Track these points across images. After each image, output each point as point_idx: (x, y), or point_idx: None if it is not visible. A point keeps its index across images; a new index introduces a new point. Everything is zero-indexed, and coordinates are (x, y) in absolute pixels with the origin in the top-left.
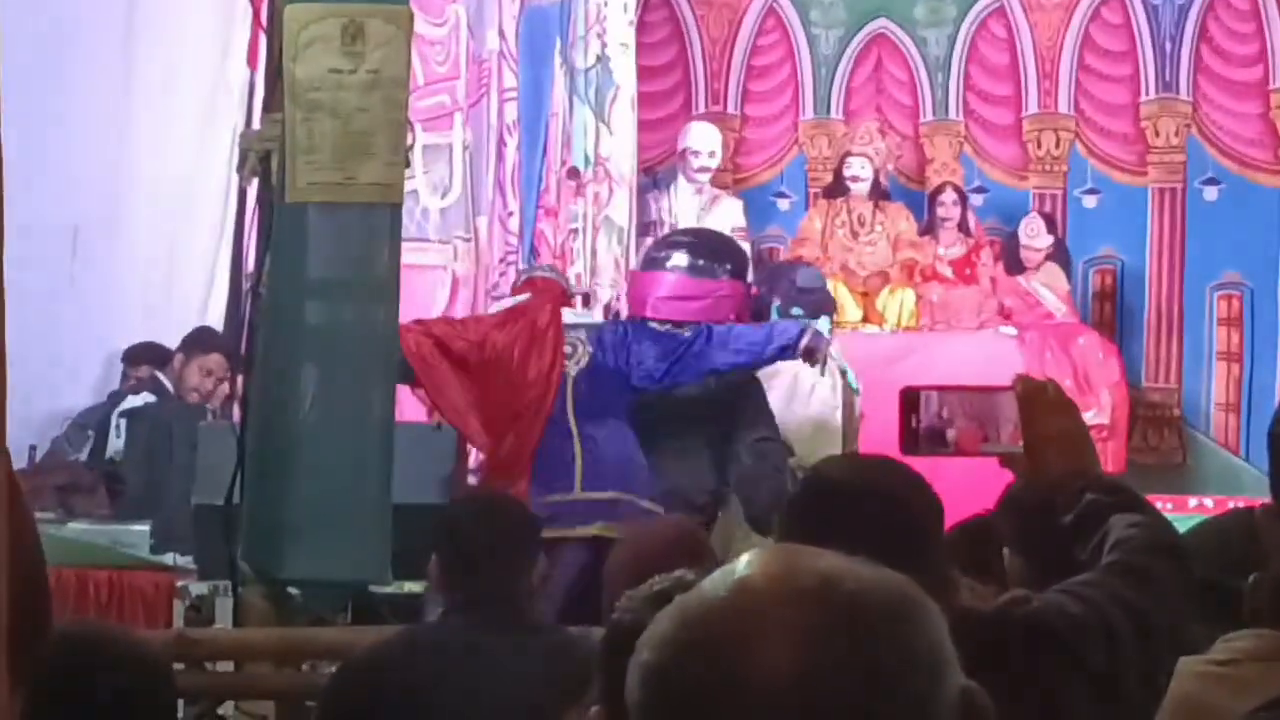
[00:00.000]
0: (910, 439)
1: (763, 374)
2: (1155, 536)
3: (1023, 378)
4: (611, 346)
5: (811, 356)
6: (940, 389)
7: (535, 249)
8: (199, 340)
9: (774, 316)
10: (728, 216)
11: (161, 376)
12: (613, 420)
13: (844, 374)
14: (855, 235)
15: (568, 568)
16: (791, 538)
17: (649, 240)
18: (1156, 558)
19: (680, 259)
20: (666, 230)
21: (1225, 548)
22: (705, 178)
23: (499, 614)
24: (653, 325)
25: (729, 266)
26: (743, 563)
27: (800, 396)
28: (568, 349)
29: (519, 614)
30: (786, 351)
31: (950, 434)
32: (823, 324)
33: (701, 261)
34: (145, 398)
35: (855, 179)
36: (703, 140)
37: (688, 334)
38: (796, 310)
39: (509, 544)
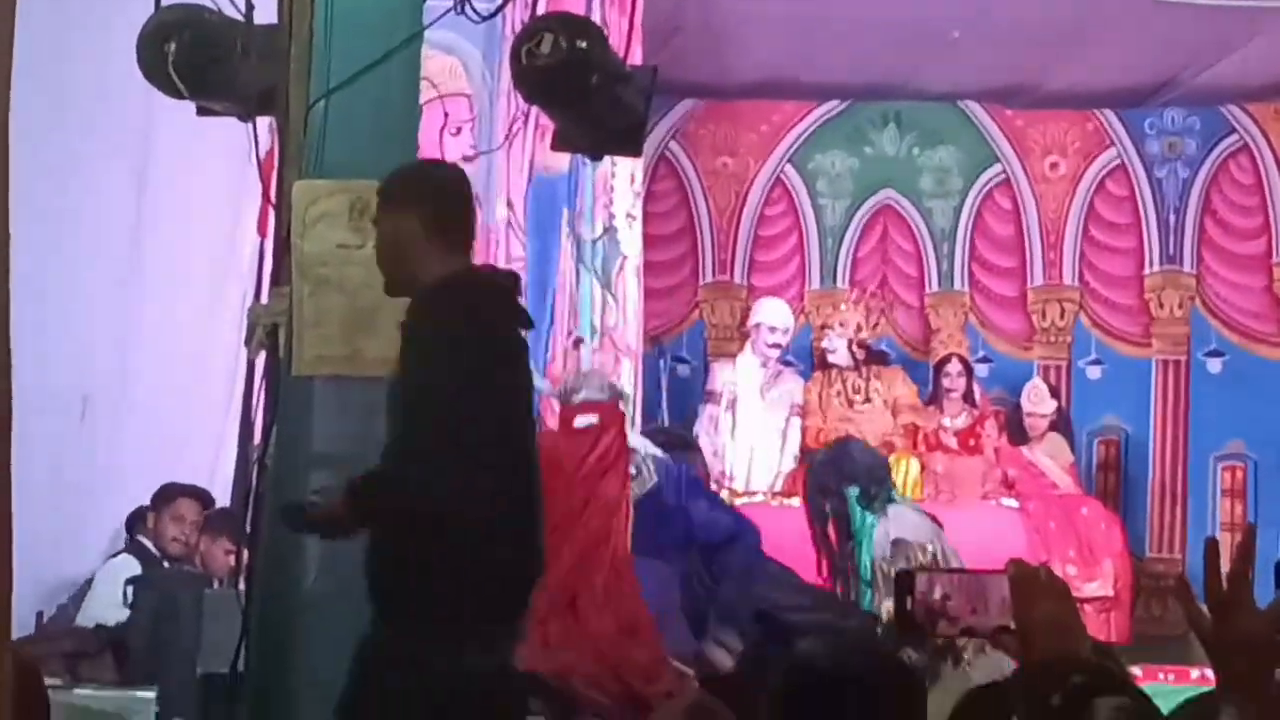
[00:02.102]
0: (905, 621)
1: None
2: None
3: (1015, 562)
4: (675, 484)
5: None
6: (934, 571)
7: (541, 417)
8: (163, 494)
9: (854, 506)
10: (789, 392)
11: (144, 540)
12: (661, 562)
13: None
14: (850, 404)
15: None
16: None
17: (709, 407)
18: None
19: None
20: (726, 399)
21: None
22: (775, 353)
23: None
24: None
25: None
26: None
27: None
28: (632, 469)
29: None
30: None
31: (944, 615)
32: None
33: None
34: (127, 560)
35: (828, 351)
36: (779, 317)
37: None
38: (873, 490)
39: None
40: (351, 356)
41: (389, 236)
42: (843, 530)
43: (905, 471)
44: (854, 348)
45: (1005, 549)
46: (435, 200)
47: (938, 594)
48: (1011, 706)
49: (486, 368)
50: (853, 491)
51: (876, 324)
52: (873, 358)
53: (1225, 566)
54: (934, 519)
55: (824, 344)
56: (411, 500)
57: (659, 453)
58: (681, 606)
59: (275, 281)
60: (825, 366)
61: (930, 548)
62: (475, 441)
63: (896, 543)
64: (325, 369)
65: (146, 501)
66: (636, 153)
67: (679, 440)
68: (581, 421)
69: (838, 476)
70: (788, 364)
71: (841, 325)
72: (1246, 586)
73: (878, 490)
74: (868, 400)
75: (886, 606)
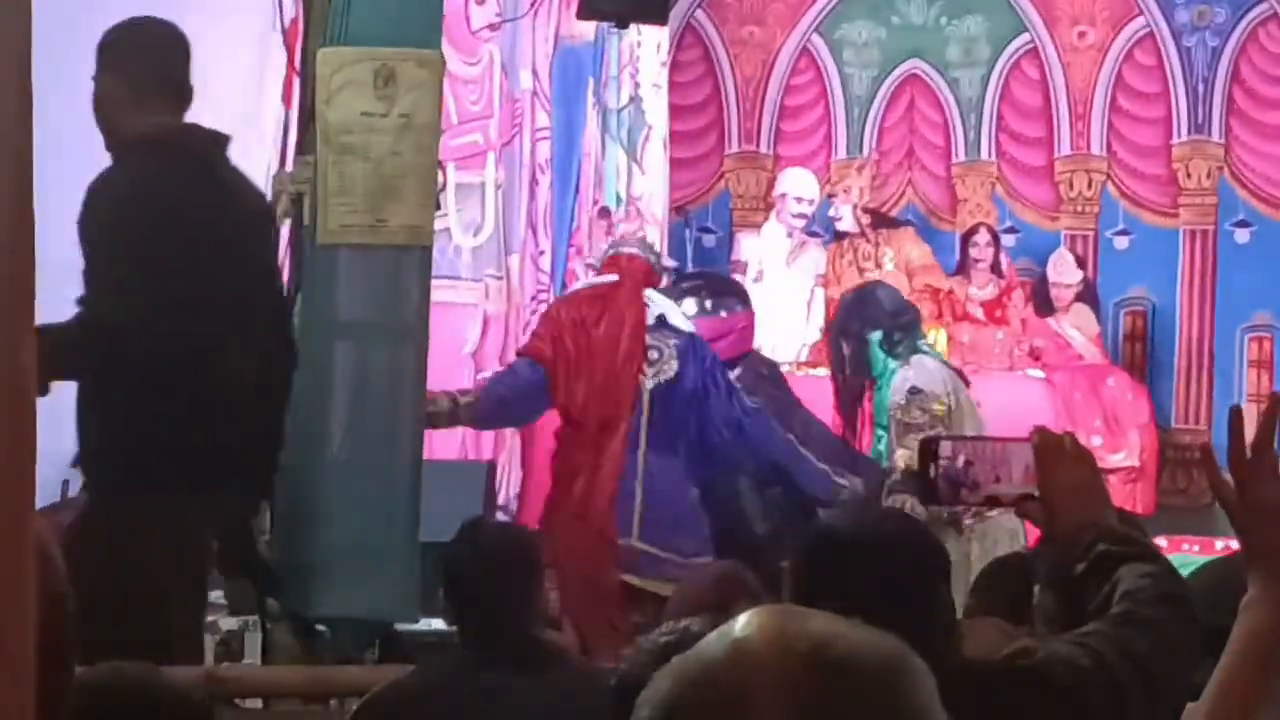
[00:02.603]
0: (929, 488)
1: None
2: (1164, 587)
3: (1040, 429)
4: (701, 365)
5: None
6: (958, 439)
7: (566, 288)
8: None
9: (876, 351)
10: (813, 263)
11: None
12: (677, 458)
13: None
14: (862, 272)
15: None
16: (797, 590)
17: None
18: (1165, 609)
19: (689, 306)
20: (752, 269)
21: (1227, 590)
22: (801, 224)
23: (505, 649)
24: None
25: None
26: (740, 623)
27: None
28: (651, 354)
29: (526, 647)
30: None
31: (967, 483)
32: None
33: (710, 302)
34: None
35: (835, 220)
36: (804, 187)
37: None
38: (897, 336)
39: (506, 575)
40: (375, 225)
41: (96, 93)
42: (861, 374)
43: (933, 344)
44: (859, 213)
45: (1031, 420)
46: (135, 58)
47: (961, 461)
48: (1034, 575)
49: (158, 227)
50: (875, 336)
51: (902, 193)
52: (881, 222)
53: (1250, 435)
54: (960, 373)
55: (831, 212)
56: (82, 362)
57: (687, 325)
58: (710, 512)
59: (300, 150)
60: (841, 237)
61: (947, 400)
62: (145, 303)
63: (913, 391)
64: (350, 237)
65: None
66: (662, 21)
67: (725, 286)
68: (599, 280)
69: (860, 320)
70: (813, 234)
71: (845, 192)
72: (1271, 454)
73: (902, 336)
74: (879, 266)
75: (899, 455)
